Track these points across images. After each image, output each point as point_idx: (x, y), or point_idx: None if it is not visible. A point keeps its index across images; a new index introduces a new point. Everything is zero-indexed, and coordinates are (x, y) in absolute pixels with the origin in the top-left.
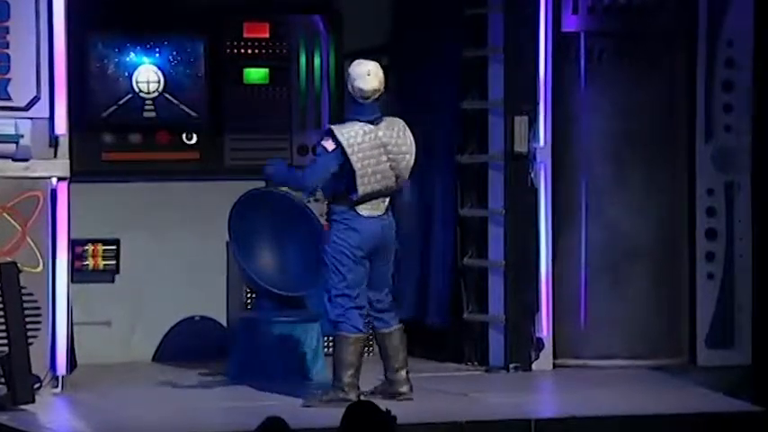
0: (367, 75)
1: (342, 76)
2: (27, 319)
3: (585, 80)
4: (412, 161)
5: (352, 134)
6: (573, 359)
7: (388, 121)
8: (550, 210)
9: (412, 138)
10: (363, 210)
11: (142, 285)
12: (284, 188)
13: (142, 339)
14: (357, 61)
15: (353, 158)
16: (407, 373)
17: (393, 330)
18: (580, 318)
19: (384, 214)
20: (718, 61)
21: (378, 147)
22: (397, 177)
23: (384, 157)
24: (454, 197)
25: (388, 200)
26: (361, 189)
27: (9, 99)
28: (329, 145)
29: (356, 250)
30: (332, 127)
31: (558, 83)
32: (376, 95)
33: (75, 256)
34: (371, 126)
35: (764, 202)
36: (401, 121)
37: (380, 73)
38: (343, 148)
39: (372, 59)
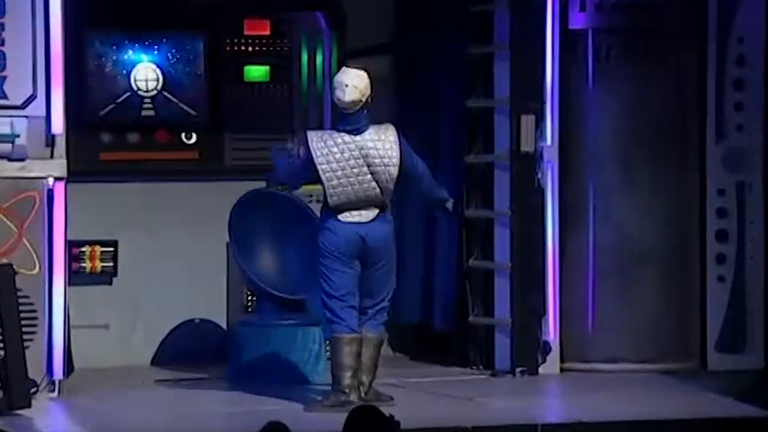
0: (345, 86)
1: None
2: (23, 323)
3: (593, 78)
4: (395, 172)
5: (330, 143)
6: (580, 363)
7: (375, 129)
8: (557, 210)
9: (398, 148)
10: (343, 216)
11: (140, 288)
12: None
13: (141, 342)
14: (343, 69)
15: (321, 168)
16: (362, 383)
17: (364, 336)
18: (588, 321)
19: (372, 221)
20: (729, 59)
21: (357, 158)
22: (381, 188)
23: (365, 168)
24: (459, 198)
25: (382, 205)
26: (333, 199)
27: (5, 97)
28: (303, 150)
29: (336, 253)
30: (308, 133)
31: (565, 81)
32: (357, 107)
33: (73, 257)
34: (352, 136)
35: None
36: (392, 129)
37: (363, 84)
38: (312, 157)
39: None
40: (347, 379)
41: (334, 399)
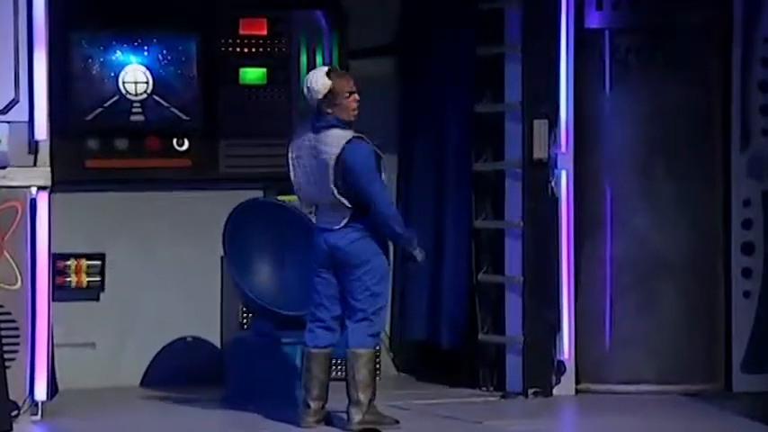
0: (306, 89)
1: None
2: (4, 341)
3: (610, 81)
4: (332, 186)
5: (300, 140)
6: (597, 384)
7: (336, 134)
8: (572, 221)
9: (335, 160)
10: (317, 220)
11: (129, 304)
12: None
13: (129, 362)
14: (314, 70)
15: (290, 164)
16: (360, 402)
17: (354, 353)
18: (605, 339)
19: (339, 229)
20: (754, 60)
21: (312, 156)
22: (333, 195)
23: (317, 171)
24: (468, 208)
25: (348, 213)
26: (299, 196)
27: None
28: None
29: (312, 262)
30: (297, 129)
31: (580, 83)
32: (315, 106)
33: (57, 271)
34: (314, 134)
35: None
36: (344, 142)
37: (319, 84)
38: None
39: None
40: (308, 387)
41: (300, 411)
